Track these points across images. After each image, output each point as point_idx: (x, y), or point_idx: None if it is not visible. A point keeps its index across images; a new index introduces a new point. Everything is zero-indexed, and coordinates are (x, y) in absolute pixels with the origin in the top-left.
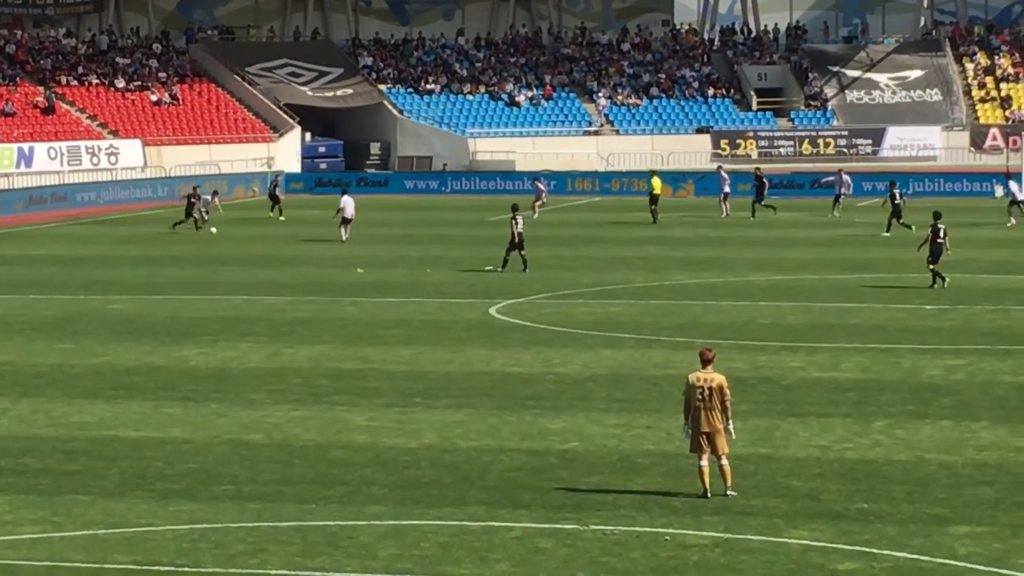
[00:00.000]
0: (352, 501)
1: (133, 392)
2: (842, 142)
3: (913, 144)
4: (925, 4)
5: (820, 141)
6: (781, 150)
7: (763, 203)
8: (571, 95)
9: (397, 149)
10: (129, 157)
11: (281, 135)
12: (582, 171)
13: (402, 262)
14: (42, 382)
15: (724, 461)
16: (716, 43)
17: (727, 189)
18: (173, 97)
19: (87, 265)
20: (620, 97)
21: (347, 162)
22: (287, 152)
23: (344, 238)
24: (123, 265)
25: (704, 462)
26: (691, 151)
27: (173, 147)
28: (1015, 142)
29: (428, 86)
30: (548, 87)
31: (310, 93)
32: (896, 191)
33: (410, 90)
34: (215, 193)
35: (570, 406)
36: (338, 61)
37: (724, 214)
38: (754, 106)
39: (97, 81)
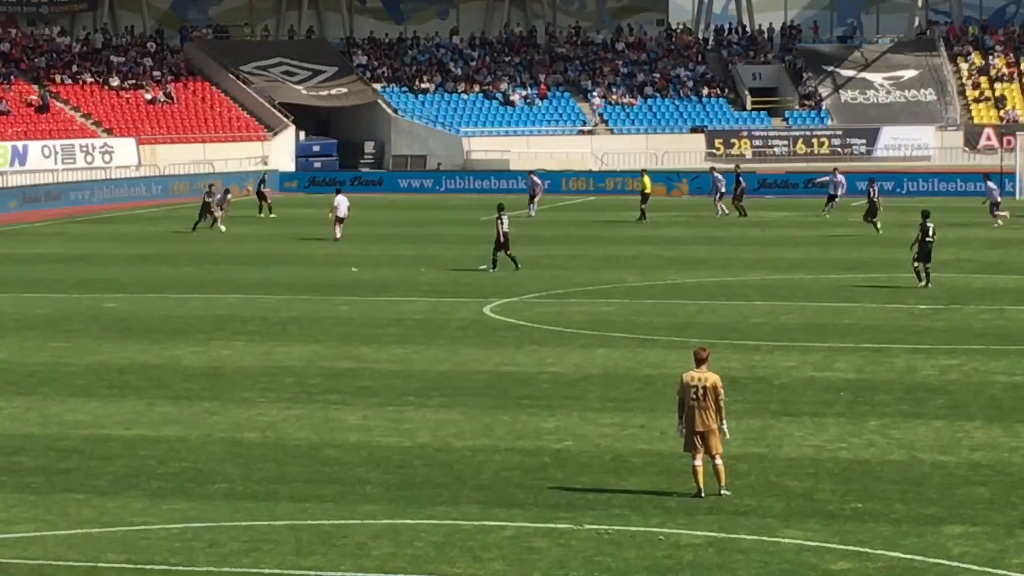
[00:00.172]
0: (346, 500)
1: (126, 391)
2: (836, 142)
3: (907, 144)
4: (919, 4)
5: (814, 141)
6: (775, 150)
7: (739, 203)
8: (565, 94)
9: (391, 148)
10: (123, 156)
11: (275, 134)
12: (576, 170)
13: (396, 261)
14: (35, 380)
15: (718, 461)
16: (710, 43)
17: (722, 189)
18: (167, 96)
19: (81, 263)
20: (614, 96)
21: (341, 161)
22: (281, 151)
23: (337, 236)
24: (117, 264)
25: (698, 461)
26: (685, 150)
27: (167, 146)
28: (1009, 142)
29: (422, 85)
30: (542, 86)
31: (304, 92)
32: (874, 188)
33: (404, 89)
34: (227, 191)
35: (564, 405)
36: (332, 60)
37: (719, 214)
38: (748, 106)
39: (91, 79)
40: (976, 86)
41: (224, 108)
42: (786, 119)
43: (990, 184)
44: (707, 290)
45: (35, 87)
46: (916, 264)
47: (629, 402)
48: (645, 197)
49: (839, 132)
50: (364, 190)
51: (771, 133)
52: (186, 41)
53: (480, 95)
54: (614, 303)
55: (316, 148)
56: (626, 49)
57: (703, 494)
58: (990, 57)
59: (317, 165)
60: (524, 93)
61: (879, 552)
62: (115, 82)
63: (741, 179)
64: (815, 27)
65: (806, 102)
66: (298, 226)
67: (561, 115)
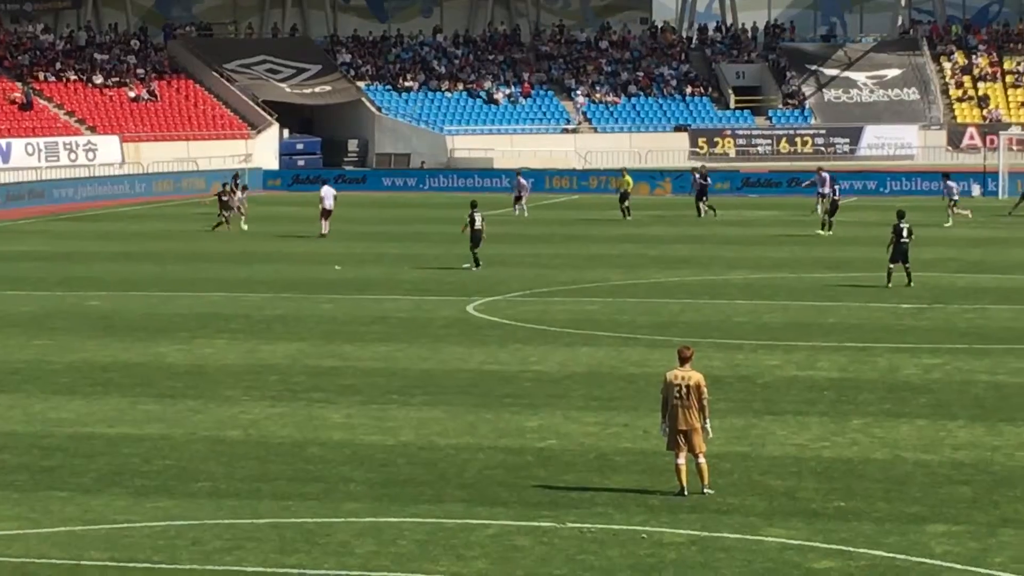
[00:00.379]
0: (329, 498)
1: (110, 388)
2: (820, 141)
3: (890, 143)
4: (903, 3)
5: (798, 139)
6: (759, 148)
7: (706, 202)
8: (549, 93)
9: (375, 146)
10: (107, 153)
11: (259, 132)
12: (560, 169)
13: (380, 259)
14: (19, 378)
15: (701, 459)
16: (694, 41)
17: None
18: (151, 93)
19: (64, 261)
20: (598, 95)
21: (325, 159)
22: (265, 149)
23: (324, 231)
24: (100, 261)
25: (681, 460)
26: (669, 149)
27: (151, 143)
28: (992, 141)
29: (406, 83)
30: (526, 85)
31: (288, 90)
32: (835, 187)
33: (388, 87)
34: (244, 188)
35: (547, 404)
36: (316, 58)
37: (702, 213)
38: (732, 104)
39: (75, 77)
40: (959, 85)
41: (208, 106)
42: (769, 118)
43: (950, 183)
44: (690, 289)
45: (19, 84)
46: (891, 266)
47: (612, 401)
48: (625, 195)
49: (822, 131)
50: (348, 188)
51: (754, 132)
52: (170, 39)
53: (464, 93)
54: (597, 302)
55: (300, 146)
56: (610, 47)
57: (686, 492)
58: (973, 56)
59: (301, 163)
60: (508, 91)
61: (862, 551)
62: (99, 80)
63: (703, 179)
64: (792, 27)
65: (789, 101)
66: (282, 224)
67: (545, 113)
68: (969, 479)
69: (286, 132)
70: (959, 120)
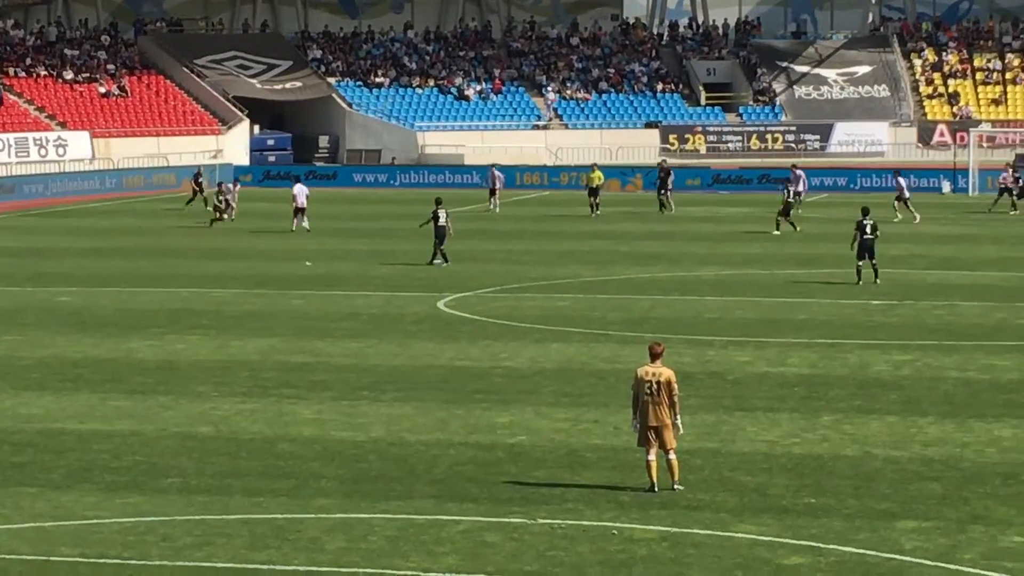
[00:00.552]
0: (300, 494)
1: (80, 384)
2: (790, 137)
3: (861, 139)
4: (873, 0)
5: (768, 136)
6: (729, 145)
7: (667, 195)
8: (520, 89)
9: (346, 142)
10: (77, 149)
11: (230, 128)
12: (531, 165)
13: (351, 255)
14: None
15: (672, 455)
16: (665, 38)
17: (670, 185)
18: (121, 89)
19: (34, 257)
20: (569, 91)
21: (296, 155)
22: (236, 145)
23: (294, 227)
24: (71, 257)
25: (652, 456)
26: (640, 145)
27: (121, 139)
28: (962, 138)
29: (377, 79)
30: (497, 81)
31: (259, 86)
32: (789, 188)
33: (359, 83)
34: (236, 181)
35: (518, 400)
36: (287, 54)
37: (671, 209)
38: (703, 101)
39: (45, 73)
40: (929, 82)
41: (178, 102)
42: (740, 114)
43: (900, 180)
44: (661, 285)
45: None
46: (859, 263)
47: (583, 397)
48: (595, 191)
49: (793, 128)
50: (318, 184)
51: (725, 128)
52: (140, 34)
53: (435, 89)
54: (568, 298)
55: (270, 142)
56: (581, 44)
57: (656, 489)
58: (943, 53)
59: (271, 159)
60: (479, 88)
61: (832, 547)
62: (69, 75)
63: (663, 173)
64: (758, 24)
65: (760, 98)
66: (252, 220)
67: (516, 110)
68: (939, 475)
69: (257, 128)
70: (929, 117)
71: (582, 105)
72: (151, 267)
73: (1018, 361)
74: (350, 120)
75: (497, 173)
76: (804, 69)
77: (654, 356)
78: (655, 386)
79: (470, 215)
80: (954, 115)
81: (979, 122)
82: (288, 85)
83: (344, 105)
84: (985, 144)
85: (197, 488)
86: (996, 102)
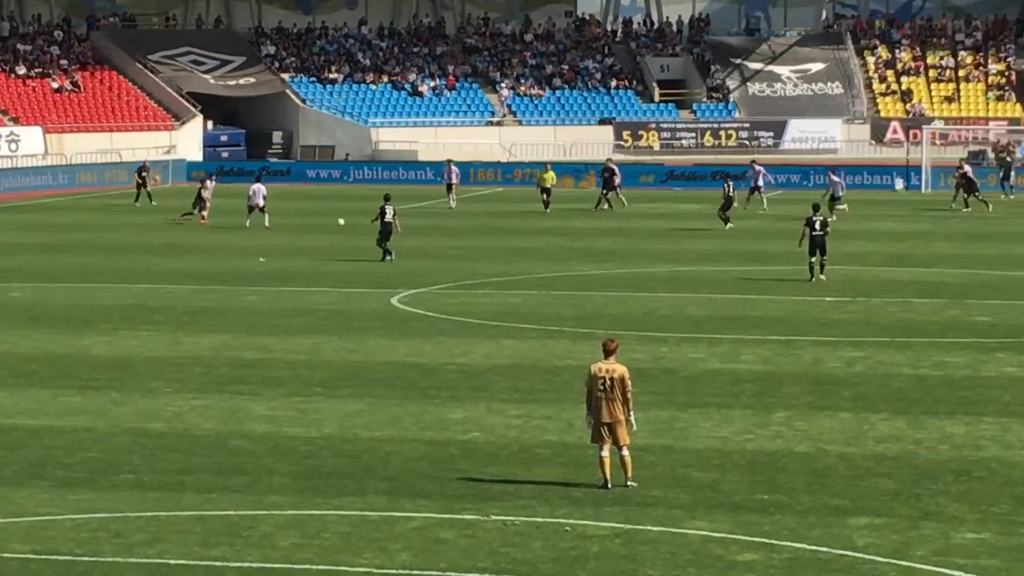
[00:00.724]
0: (253, 491)
1: (32, 380)
2: (744, 134)
3: (814, 137)
4: None
5: (722, 133)
6: (683, 142)
7: (610, 194)
8: (474, 85)
9: (299, 138)
10: (30, 144)
11: (183, 123)
12: (484, 162)
13: (304, 252)
14: None
15: (625, 452)
16: (619, 34)
17: (618, 182)
18: (74, 84)
19: None
20: (523, 88)
21: (249, 151)
22: (189, 141)
23: (248, 224)
24: (23, 253)
25: (605, 453)
26: (593, 142)
27: (74, 135)
28: (915, 135)
29: (331, 75)
30: (451, 77)
31: (212, 81)
32: (730, 183)
33: (313, 79)
34: (212, 176)
35: (471, 396)
36: (240, 50)
37: (624, 206)
38: (656, 98)
39: None
40: (883, 80)
41: (131, 97)
42: (694, 111)
43: (834, 178)
44: (614, 282)
45: None
46: (812, 260)
47: (537, 393)
48: (547, 190)
49: (746, 125)
50: (272, 180)
51: (679, 125)
52: (93, 30)
53: (388, 86)
54: (522, 294)
55: (224, 138)
56: (535, 40)
57: (610, 485)
58: (896, 51)
59: (225, 155)
60: (433, 84)
61: (785, 543)
62: (21, 70)
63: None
64: (707, 20)
65: (714, 94)
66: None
67: (469, 106)
68: (891, 472)
69: (210, 124)
70: (882, 114)
71: (536, 101)
72: (104, 263)
73: (970, 358)
74: (304, 116)
75: (454, 168)
76: (758, 66)
77: (608, 352)
78: (609, 382)
79: (424, 211)
80: (907, 112)
81: (932, 119)
82: (242, 81)
83: (298, 101)
84: (938, 141)
85: (150, 484)
86: (949, 99)
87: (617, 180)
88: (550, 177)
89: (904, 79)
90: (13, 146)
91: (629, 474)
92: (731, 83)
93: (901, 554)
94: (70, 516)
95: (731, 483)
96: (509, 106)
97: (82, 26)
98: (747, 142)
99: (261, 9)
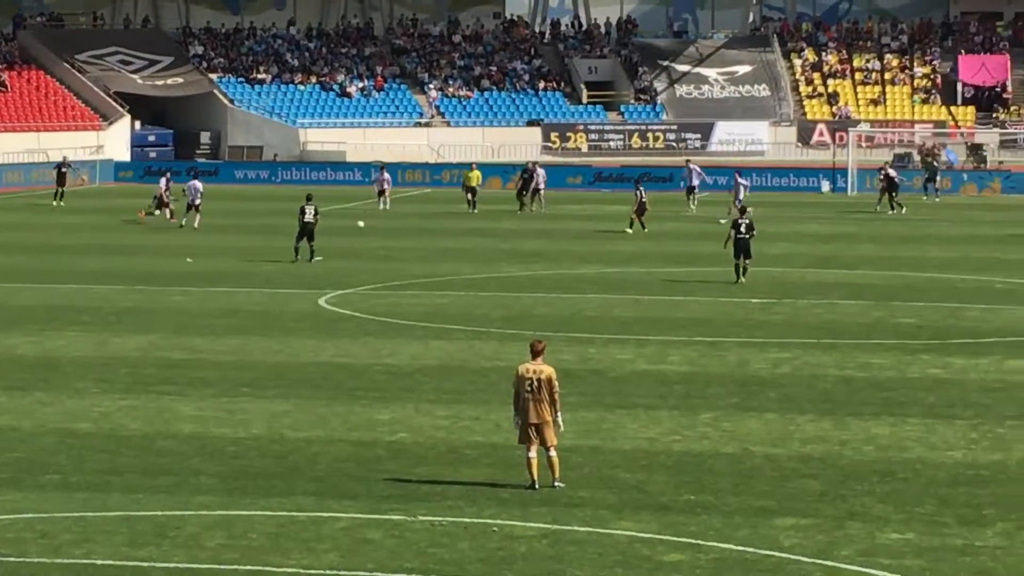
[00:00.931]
0: (180, 491)
1: None
2: (671, 136)
3: (741, 139)
4: (754, 0)
5: (649, 135)
6: (611, 143)
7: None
8: (402, 86)
9: (227, 139)
10: None
11: (111, 123)
12: (413, 163)
13: (232, 252)
14: None
15: (552, 453)
16: (547, 36)
17: (541, 185)
18: (1, 84)
19: None
20: (451, 89)
21: (177, 151)
22: (117, 140)
23: (182, 223)
24: None
25: (532, 453)
26: (522, 143)
27: (0, 134)
28: (841, 138)
29: (259, 76)
30: (379, 78)
31: (140, 81)
32: (641, 189)
33: (241, 80)
34: (167, 176)
35: (399, 397)
36: (168, 50)
37: (544, 208)
38: (584, 99)
39: None
40: (809, 82)
41: (59, 97)
42: (621, 113)
43: (740, 180)
44: (542, 283)
45: None
46: (737, 261)
47: (464, 394)
48: (473, 190)
49: (674, 127)
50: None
51: (607, 127)
52: (20, 29)
53: (317, 86)
54: (450, 295)
55: (152, 138)
56: (463, 42)
57: (537, 486)
58: (823, 53)
59: (153, 155)
60: (361, 85)
61: (711, 544)
62: None
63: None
64: (635, 22)
65: (641, 96)
66: (134, 216)
67: (398, 107)
68: (817, 473)
69: (138, 124)
70: (809, 117)
71: (464, 103)
72: (31, 263)
73: (895, 360)
74: (232, 116)
75: (386, 175)
76: (685, 68)
77: (535, 353)
78: (536, 383)
79: (353, 212)
80: (833, 115)
81: (858, 122)
82: (170, 81)
83: (226, 101)
84: (864, 144)
85: (76, 485)
86: (875, 102)
87: (537, 183)
88: (475, 176)
89: (830, 82)
90: None
91: (556, 475)
92: (659, 85)
93: (826, 554)
94: None
95: (658, 484)
96: (437, 107)
97: (8, 25)
98: (674, 144)
99: (189, 9)
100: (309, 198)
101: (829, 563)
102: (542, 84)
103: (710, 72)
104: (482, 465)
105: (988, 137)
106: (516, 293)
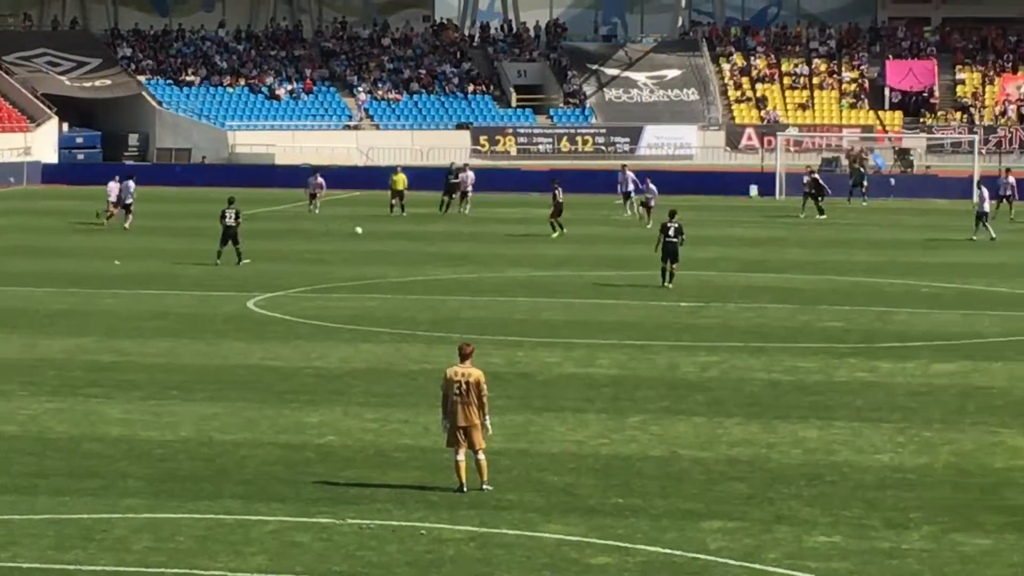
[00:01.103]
0: (107, 494)
1: None
2: (600, 140)
3: (670, 143)
4: (683, 4)
5: (579, 138)
6: (540, 147)
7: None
8: (332, 89)
9: (156, 141)
10: None
11: (38, 125)
12: (341, 166)
13: (161, 255)
14: None
15: (480, 456)
16: (476, 39)
17: (469, 188)
18: None
19: None
20: (380, 92)
21: (105, 153)
22: (44, 142)
23: (127, 224)
24: None
25: (461, 456)
26: (451, 147)
27: None
28: (769, 142)
29: (187, 78)
30: (308, 81)
31: (68, 83)
32: (558, 190)
33: (169, 82)
34: (131, 176)
35: (328, 400)
36: (97, 51)
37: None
38: (514, 103)
39: None
40: (738, 86)
41: None
42: (551, 117)
43: (651, 186)
44: (470, 286)
45: None
46: (664, 265)
47: (392, 397)
48: (399, 194)
49: (603, 130)
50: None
51: (536, 130)
52: None
53: (246, 89)
54: (378, 298)
55: (80, 140)
56: (392, 44)
57: (465, 489)
58: (751, 58)
59: (80, 157)
60: (290, 87)
61: (639, 547)
62: None
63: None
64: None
65: (571, 100)
66: (62, 218)
67: (327, 110)
68: (744, 476)
69: (66, 126)
70: (737, 121)
71: (393, 106)
72: None
73: (822, 363)
74: (160, 118)
75: (319, 179)
76: (614, 72)
77: (463, 356)
78: (464, 386)
79: (281, 215)
80: (762, 119)
81: (786, 126)
82: (98, 83)
83: (154, 103)
84: (792, 148)
85: (2, 488)
86: (803, 107)
87: (465, 185)
88: (401, 180)
89: (759, 86)
90: None
91: (484, 478)
92: (588, 89)
93: (754, 557)
94: None
95: (586, 487)
96: (366, 110)
97: None
98: (603, 148)
99: (118, 11)
100: (231, 201)
101: (756, 566)
102: (471, 87)
103: (639, 76)
104: (411, 468)
105: (915, 142)
106: (443, 296)
